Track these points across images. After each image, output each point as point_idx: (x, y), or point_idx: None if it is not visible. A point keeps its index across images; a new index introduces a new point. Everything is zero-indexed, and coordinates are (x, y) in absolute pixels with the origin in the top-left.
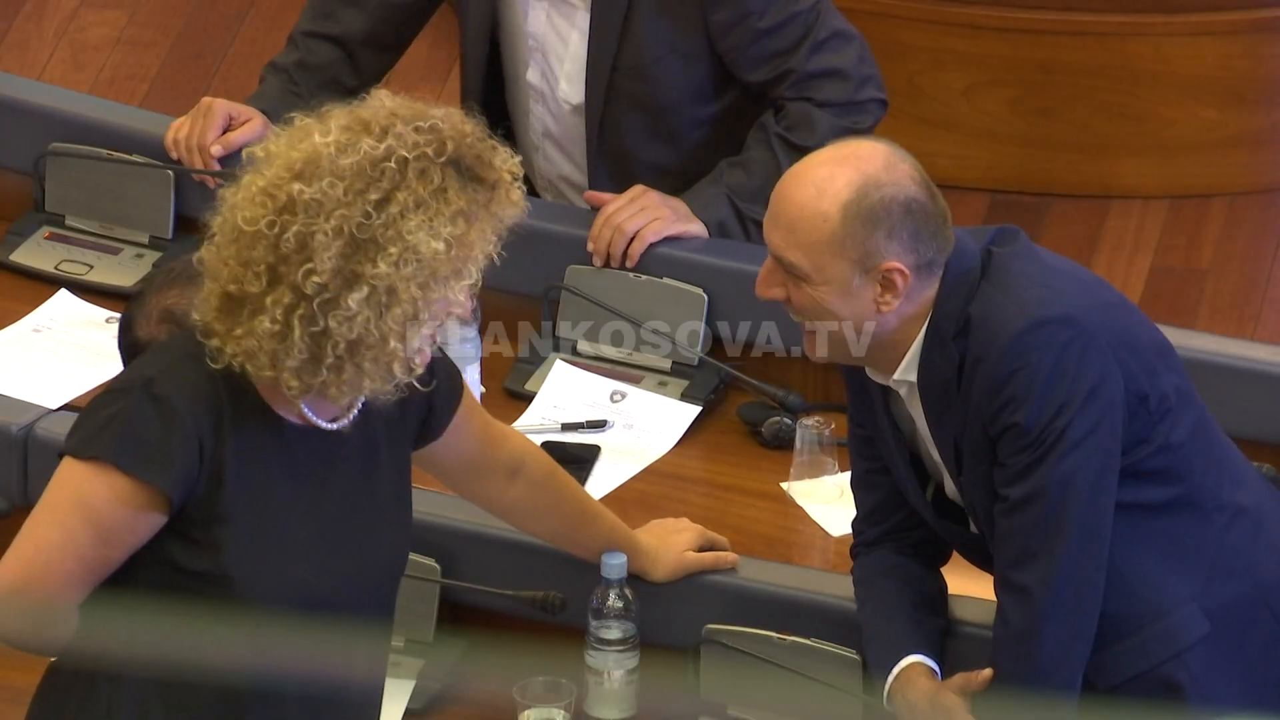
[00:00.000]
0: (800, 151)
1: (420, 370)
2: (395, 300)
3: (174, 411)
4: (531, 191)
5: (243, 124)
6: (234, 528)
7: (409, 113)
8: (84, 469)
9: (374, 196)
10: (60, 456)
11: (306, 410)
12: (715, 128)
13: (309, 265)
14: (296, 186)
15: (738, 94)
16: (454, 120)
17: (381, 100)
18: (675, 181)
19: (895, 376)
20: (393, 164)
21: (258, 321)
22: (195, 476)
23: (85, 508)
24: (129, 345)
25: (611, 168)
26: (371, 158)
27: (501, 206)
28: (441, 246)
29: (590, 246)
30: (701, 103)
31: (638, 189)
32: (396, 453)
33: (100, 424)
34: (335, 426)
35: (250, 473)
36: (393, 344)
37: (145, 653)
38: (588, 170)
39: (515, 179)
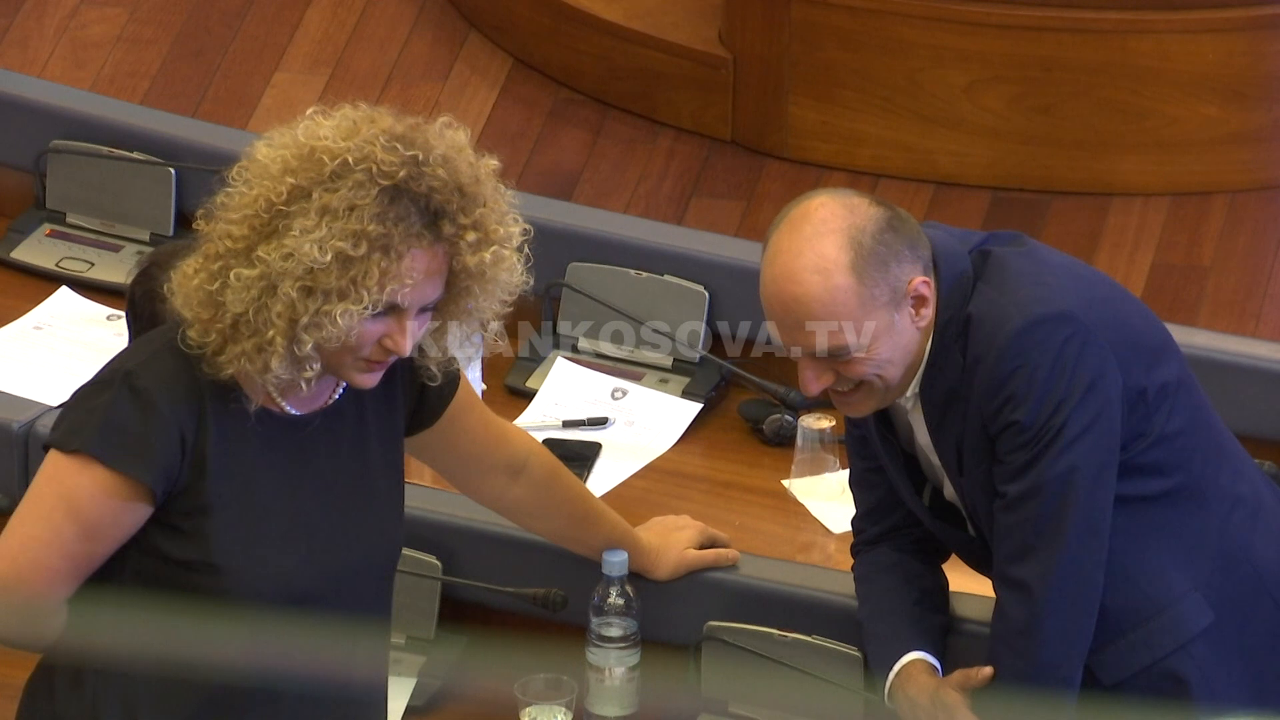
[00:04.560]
0: None
1: (310, 376)
2: (274, 294)
3: (154, 404)
4: None
5: None
6: (218, 517)
7: (404, 131)
8: (67, 463)
9: (293, 182)
10: (45, 448)
11: (278, 398)
12: None
13: (228, 224)
14: (264, 148)
15: None
16: (447, 164)
17: (401, 118)
18: None
19: (907, 393)
20: (331, 163)
21: (188, 260)
22: (177, 468)
23: (70, 503)
24: (143, 292)
25: None
26: (323, 146)
27: (457, 259)
28: (325, 259)
29: None
30: None
31: None
32: (388, 442)
33: (82, 417)
34: (301, 414)
35: (232, 463)
36: (271, 335)
37: (134, 648)
38: None
39: (489, 243)
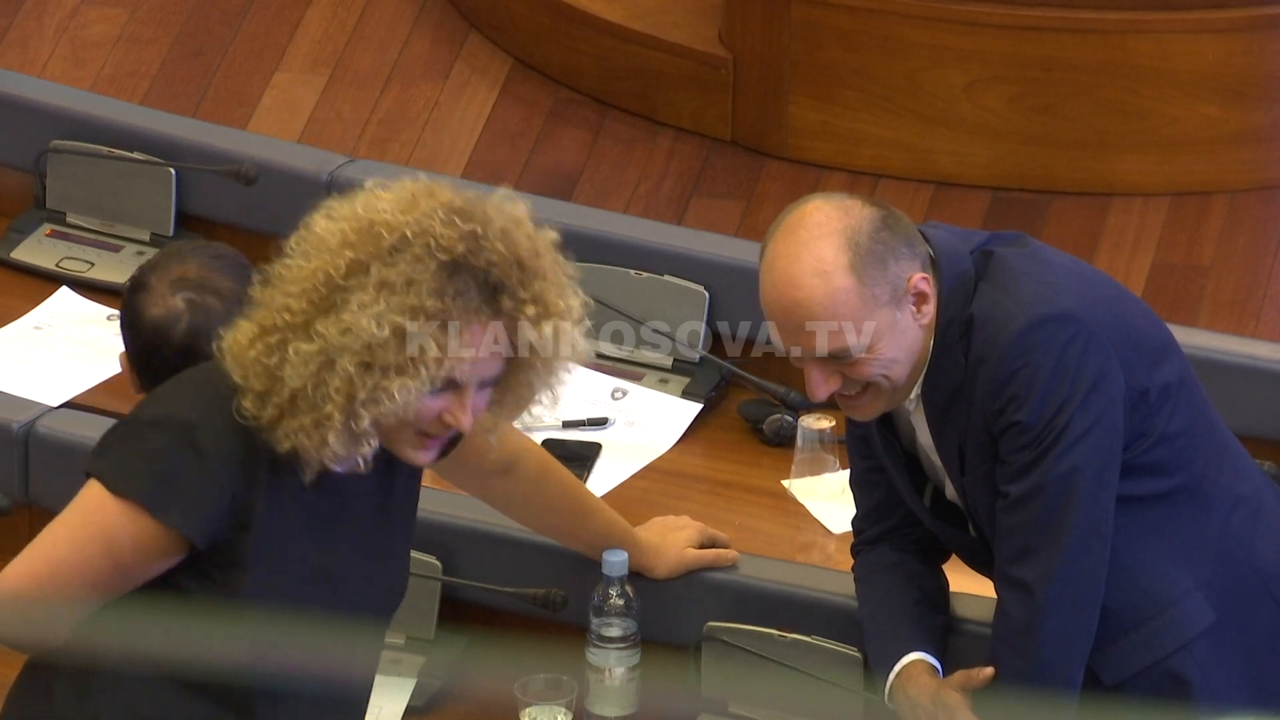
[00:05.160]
0: None
1: (368, 452)
2: (332, 369)
3: (210, 462)
4: None
5: None
6: (252, 571)
7: (463, 204)
8: (113, 503)
9: (351, 256)
10: (87, 475)
11: (338, 466)
12: None
13: (286, 296)
14: (323, 221)
15: None
16: (506, 238)
17: (460, 191)
18: None
19: (911, 395)
20: (390, 236)
21: (243, 325)
22: (223, 524)
23: (108, 540)
24: (148, 328)
25: None
26: (382, 220)
27: (517, 334)
28: (383, 334)
29: None
30: None
31: None
32: (410, 479)
33: (136, 461)
34: (342, 469)
35: (275, 522)
36: (329, 410)
37: (135, 649)
38: None
39: (548, 317)
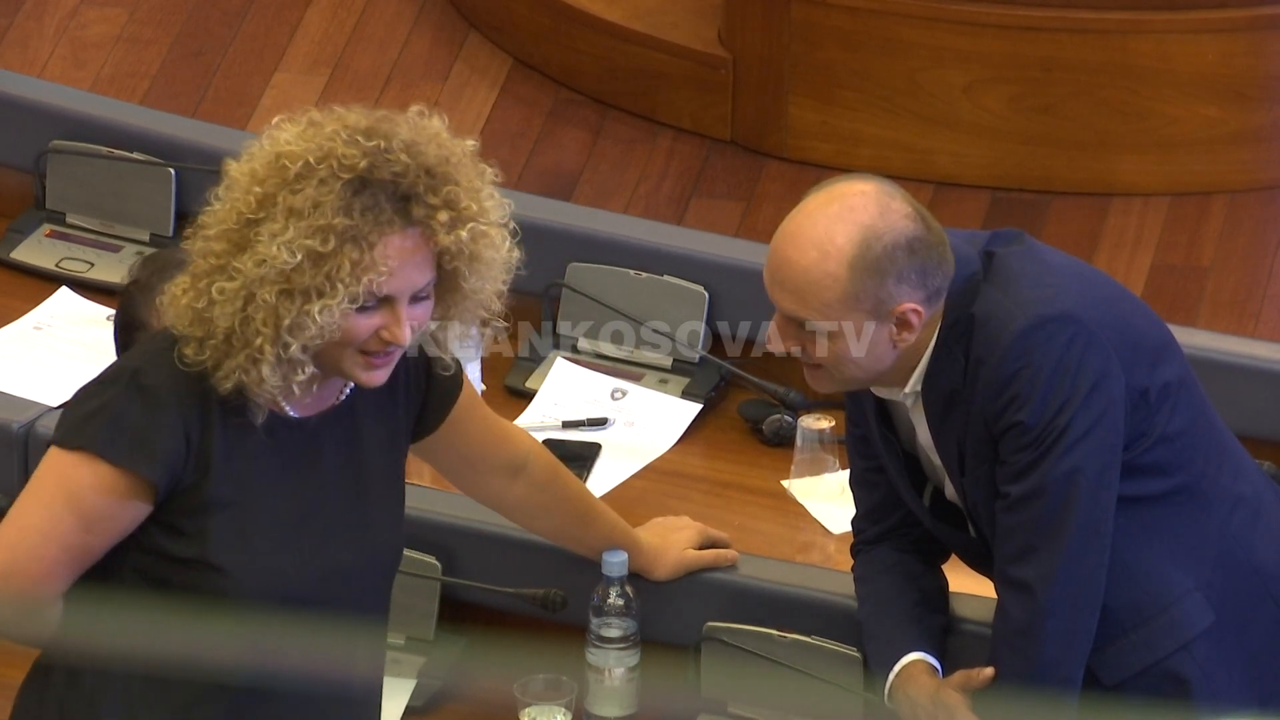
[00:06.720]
0: None
1: (301, 380)
2: (254, 301)
3: (160, 402)
4: None
5: None
6: (219, 517)
7: (369, 124)
8: (70, 458)
9: (260, 191)
10: (49, 446)
11: (281, 402)
12: None
13: (206, 241)
14: (236, 164)
15: None
16: (412, 149)
17: (368, 112)
18: None
19: (905, 390)
20: (294, 165)
21: (176, 280)
22: (182, 465)
23: (70, 496)
24: (132, 333)
25: None
26: (285, 151)
27: (434, 241)
28: (295, 259)
29: None
30: None
31: None
32: (388, 446)
33: (86, 415)
34: (299, 416)
35: (236, 463)
36: (259, 343)
37: (132, 647)
38: None
39: (463, 220)
